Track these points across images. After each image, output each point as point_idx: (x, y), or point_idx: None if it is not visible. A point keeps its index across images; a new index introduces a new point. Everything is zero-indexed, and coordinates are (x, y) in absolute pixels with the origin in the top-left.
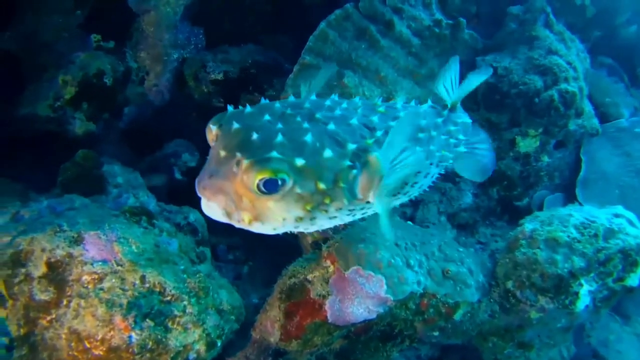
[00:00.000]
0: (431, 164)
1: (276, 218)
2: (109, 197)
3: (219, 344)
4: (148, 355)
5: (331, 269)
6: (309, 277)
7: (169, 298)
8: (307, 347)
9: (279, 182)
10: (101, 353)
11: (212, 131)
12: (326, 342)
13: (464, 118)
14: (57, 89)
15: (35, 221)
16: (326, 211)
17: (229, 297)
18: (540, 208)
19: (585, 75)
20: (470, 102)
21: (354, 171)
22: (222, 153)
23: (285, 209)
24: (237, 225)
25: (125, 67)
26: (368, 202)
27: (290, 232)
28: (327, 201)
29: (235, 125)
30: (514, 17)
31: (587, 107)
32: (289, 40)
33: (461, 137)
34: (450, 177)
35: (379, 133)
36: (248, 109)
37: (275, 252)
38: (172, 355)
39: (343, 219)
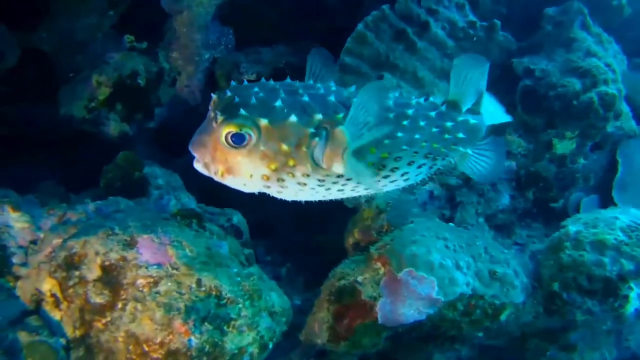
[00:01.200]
0: (416, 152)
1: (244, 173)
2: (150, 199)
3: (270, 346)
4: (205, 358)
5: (382, 270)
6: (359, 279)
7: (224, 301)
8: (355, 349)
9: (245, 137)
10: (159, 356)
11: (213, 99)
12: (374, 343)
13: (468, 118)
14: (91, 90)
15: (85, 224)
16: (293, 175)
17: (279, 299)
18: (576, 210)
19: (622, 77)
20: (506, 104)
21: (317, 138)
22: (211, 114)
23: (251, 165)
24: (214, 177)
25: (158, 67)
26: (340, 177)
27: (261, 192)
28: (291, 163)
29: (228, 94)
30: (549, 18)
31: (625, 109)
32: (314, 41)
33: (461, 135)
34: None
35: None
36: (245, 83)
37: (312, 254)
38: (227, 358)
39: (316, 189)
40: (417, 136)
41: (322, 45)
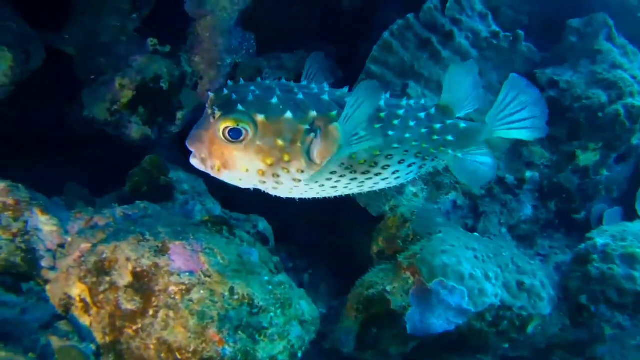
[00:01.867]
0: (406, 151)
1: (241, 167)
2: (175, 204)
3: (299, 355)
4: None
5: (411, 280)
6: (388, 288)
7: (257, 310)
8: (382, 357)
9: (242, 132)
10: None
11: (210, 97)
12: (401, 352)
13: (458, 122)
14: (114, 92)
15: (114, 228)
16: (288, 170)
17: (309, 308)
18: (599, 221)
19: None
20: None
21: (312, 134)
22: (209, 111)
23: (248, 160)
24: (211, 172)
25: (181, 71)
26: (334, 173)
27: (255, 188)
28: (286, 158)
29: (225, 92)
30: (574, 30)
31: None
32: (333, 46)
33: (450, 138)
34: (510, 189)
35: None
36: (241, 82)
37: (333, 260)
38: None
39: (310, 185)
40: (407, 135)
41: (338, 49)
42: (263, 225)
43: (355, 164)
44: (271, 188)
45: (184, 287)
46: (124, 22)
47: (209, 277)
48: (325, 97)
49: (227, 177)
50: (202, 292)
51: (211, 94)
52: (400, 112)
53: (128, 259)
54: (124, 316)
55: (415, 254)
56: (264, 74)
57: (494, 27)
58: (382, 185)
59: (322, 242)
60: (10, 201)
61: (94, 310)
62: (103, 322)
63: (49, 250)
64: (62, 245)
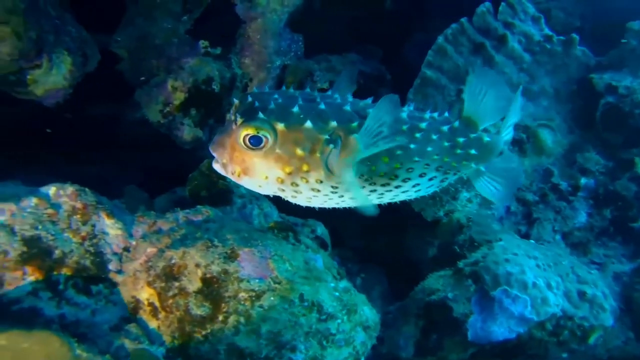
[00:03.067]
0: (427, 165)
1: (260, 174)
2: (233, 208)
3: None
4: None
5: (473, 287)
6: (450, 295)
7: (325, 317)
8: None
9: (262, 139)
10: None
11: (234, 104)
12: (460, 359)
13: (482, 135)
14: (166, 94)
15: (179, 234)
16: (306, 180)
17: (371, 313)
18: None
19: None
20: (583, 120)
21: (331, 145)
22: (232, 117)
23: (267, 167)
24: (231, 177)
25: (232, 73)
26: None
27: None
28: (305, 168)
29: (249, 99)
30: (635, 33)
31: None
32: (378, 48)
33: (473, 152)
34: (564, 195)
35: None
36: (266, 89)
37: (387, 265)
38: None
39: (329, 195)
40: (429, 149)
41: (383, 50)
42: (321, 230)
43: (375, 176)
44: (290, 196)
45: (254, 294)
46: (175, 24)
47: (279, 283)
48: (348, 107)
49: (247, 183)
50: (272, 298)
51: (235, 100)
52: (423, 124)
53: (197, 265)
54: (193, 321)
55: (477, 262)
56: (315, 76)
57: (547, 31)
58: (402, 197)
59: (375, 246)
60: (78, 205)
61: (162, 315)
62: (172, 327)
63: (115, 254)
64: (127, 249)
